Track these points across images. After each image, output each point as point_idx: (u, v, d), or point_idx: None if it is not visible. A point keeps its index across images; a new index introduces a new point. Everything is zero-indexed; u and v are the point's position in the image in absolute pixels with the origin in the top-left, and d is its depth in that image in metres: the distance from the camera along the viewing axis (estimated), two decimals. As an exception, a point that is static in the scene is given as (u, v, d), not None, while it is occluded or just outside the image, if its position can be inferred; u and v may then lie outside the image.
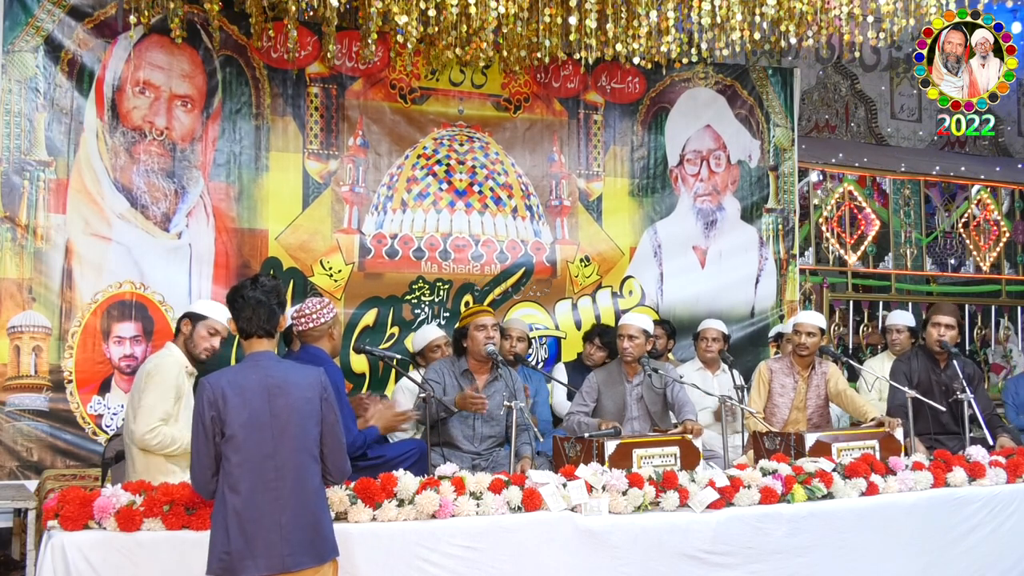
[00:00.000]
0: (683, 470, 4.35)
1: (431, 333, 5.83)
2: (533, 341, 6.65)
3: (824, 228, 8.20)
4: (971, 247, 8.93)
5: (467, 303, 6.52)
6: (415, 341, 5.94)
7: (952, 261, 8.98)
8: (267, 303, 3.27)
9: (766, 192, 7.52)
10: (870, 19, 5.29)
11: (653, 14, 5.13)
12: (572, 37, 5.23)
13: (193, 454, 3.19)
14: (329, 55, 5.98)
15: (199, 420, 3.14)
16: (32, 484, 5.21)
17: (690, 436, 4.57)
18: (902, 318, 6.55)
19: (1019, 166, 9.55)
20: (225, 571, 3.07)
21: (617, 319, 6.67)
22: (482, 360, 4.96)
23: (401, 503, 3.77)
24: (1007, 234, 9.06)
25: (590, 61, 5.58)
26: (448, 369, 5.02)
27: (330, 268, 6.24)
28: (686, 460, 4.47)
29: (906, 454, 4.89)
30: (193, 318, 4.30)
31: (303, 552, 3.11)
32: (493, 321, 5.03)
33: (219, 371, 3.29)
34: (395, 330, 6.37)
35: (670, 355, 6.51)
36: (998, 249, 9.00)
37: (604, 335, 6.11)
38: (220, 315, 4.32)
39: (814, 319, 5.55)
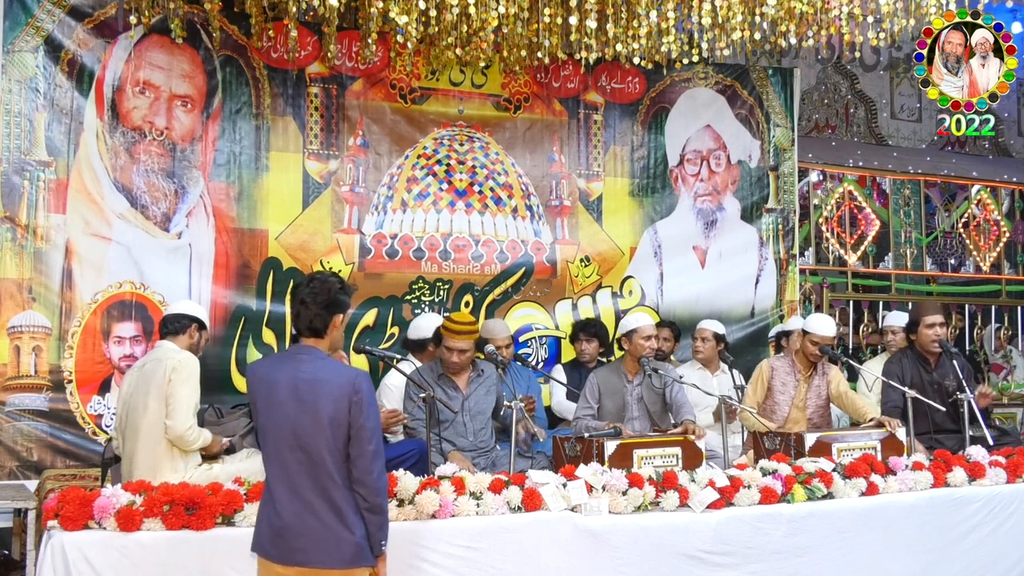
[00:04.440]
0: (685, 470, 4.34)
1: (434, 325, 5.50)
2: (533, 341, 6.67)
3: (824, 228, 8.19)
4: (971, 247, 8.93)
5: (467, 303, 6.52)
6: (417, 329, 5.67)
7: (952, 261, 8.98)
8: (310, 305, 3.17)
9: (766, 192, 7.52)
10: (870, 19, 5.29)
11: (653, 14, 5.13)
12: (572, 37, 5.23)
13: None
14: (329, 55, 5.98)
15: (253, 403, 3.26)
16: (32, 484, 5.21)
17: (692, 437, 4.56)
18: (901, 319, 6.54)
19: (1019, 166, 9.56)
20: (257, 547, 3.15)
21: (617, 319, 6.69)
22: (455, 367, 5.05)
23: (401, 503, 3.78)
24: (1007, 234, 9.06)
25: (590, 61, 5.58)
26: (428, 374, 5.07)
27: (330, 268, 6.23)
28: (688, 461, 4.46)
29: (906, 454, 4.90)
30: (200, 326, 4.61)
31: (317, 551, 3.05)
32: (463, 346, 4.98)
33: (259, 360, 3.38)
34: (395, 330, 6.36)
35: (672, 356, 6.52)
36: (998, 249, 8.99)
37: (587, 328, 6.27)
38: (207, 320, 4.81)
39: (831, 330, 5.42)
